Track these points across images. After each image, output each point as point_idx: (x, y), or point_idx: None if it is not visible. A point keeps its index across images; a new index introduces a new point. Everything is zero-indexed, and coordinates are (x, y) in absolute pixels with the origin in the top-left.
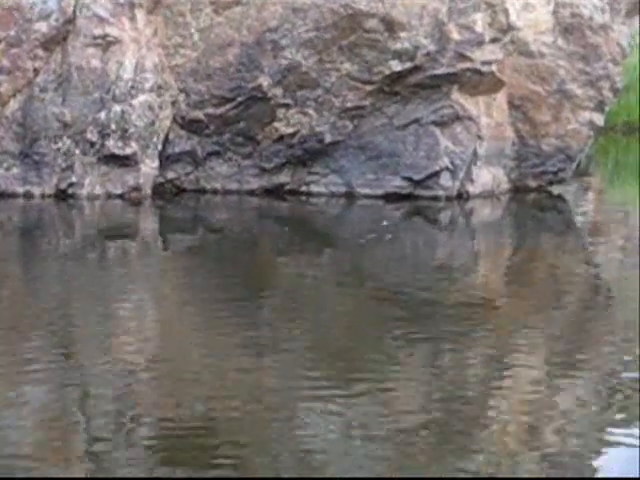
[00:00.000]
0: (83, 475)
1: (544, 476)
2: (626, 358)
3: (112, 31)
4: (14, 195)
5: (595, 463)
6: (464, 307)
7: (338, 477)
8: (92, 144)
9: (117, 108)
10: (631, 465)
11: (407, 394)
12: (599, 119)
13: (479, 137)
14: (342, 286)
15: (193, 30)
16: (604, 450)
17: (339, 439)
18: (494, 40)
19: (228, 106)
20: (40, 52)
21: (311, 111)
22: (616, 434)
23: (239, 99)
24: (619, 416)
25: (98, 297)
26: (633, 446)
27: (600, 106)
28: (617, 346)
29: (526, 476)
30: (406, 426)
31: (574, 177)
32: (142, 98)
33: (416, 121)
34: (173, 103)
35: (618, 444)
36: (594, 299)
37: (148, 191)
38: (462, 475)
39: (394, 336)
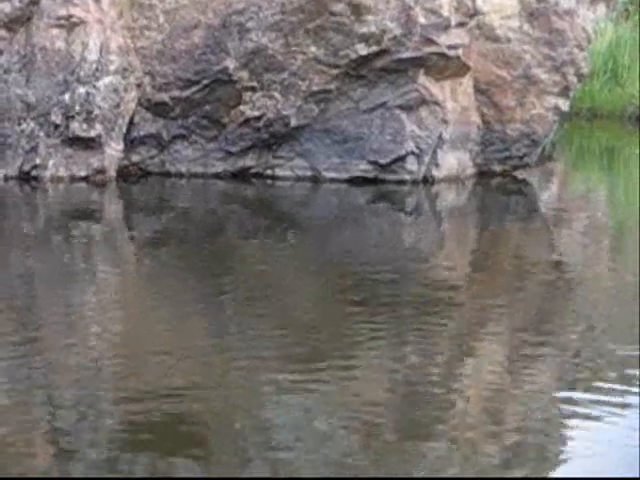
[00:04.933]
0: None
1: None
2: (589, 343)
3: (76, 12)
4: None
5: (557, 451)
6: (429, 291)
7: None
8: (56, 126)
9: (81, 90)
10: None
11: (371, 380)
12: (564, 104)
13: (445, 121)
14: (307, 270)
15: (158, 12)
16: (567, 434)
17: (303, 426)
18: (460, 24)
19: (194, 89)
20: (3, 33)
21: (277, 94)
22: (579, 416)
23: (205, 82)
24: (582, 398)
25: (60, 281)
26: (629, 445)
27: (565, 91)
28: (580, 329)
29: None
30: (369, 412)
31: (539, 162)
32: (107, 80)
33: (382, 105)
34: (138, 85)
35: (581, 428)
36: (558, 282)
37: (113, 174)
38: (425, 460)
39: (358, 321)
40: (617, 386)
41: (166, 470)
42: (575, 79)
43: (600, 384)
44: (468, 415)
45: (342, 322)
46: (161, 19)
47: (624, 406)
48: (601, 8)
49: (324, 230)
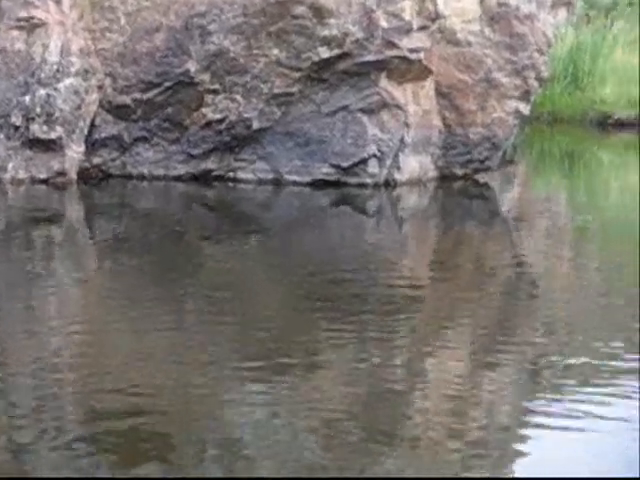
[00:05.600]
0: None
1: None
2: (550, 345)
3: (37, 14)
4: None
5: (521, 451)
6: (391, 292)
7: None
8: (16, 128)
9: (42, 92)
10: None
11: (333, 380)
12: (525, 108)
13: (406, 125)
14: (269, 272)
15: (120, 14)
16: (528, 438)
17: (264, 426)
18: (422, 28)
19: (155, 91)
20: None
21: (239, 97)
22: (541, 421)
23: (166, 84)
24: (543, 403)
25: (19, 284)
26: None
27: (526, 95)
28: (541, 333)
29: (517, 476)
30: (332, 414)
31: (500, 166)
32: (68, 82)
33: (344, 108)
34: (99, 87)
35: (543, 431)
36: (519, 286)
37: (73, 176)
38: (387, 459)
39: (321, 322)
40: (586, 388)
41: (125, 472)
42: (536, 83)
43: (567, 384)
44: (431, 414)
45: (304, 323)
46: (122, 21)
47: (585, 413)
48: (562, 13)
49: (286, 233)
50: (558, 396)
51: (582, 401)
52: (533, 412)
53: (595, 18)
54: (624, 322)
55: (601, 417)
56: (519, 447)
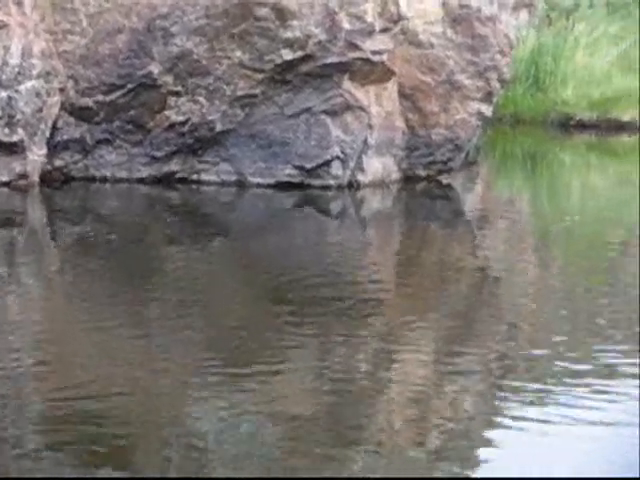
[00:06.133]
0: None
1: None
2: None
3: None
4: None
5: (483, 455)
6: (354, 294)
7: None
8: None
9: (3, 94)
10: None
11: (296, 387)
12: (487, 110)
13: (370, 126)
14: (232, 276)
15: (82, 16)
16: (491, 440)
17: (227, 429)
18: (384, 30)
19: (118, 93)
20: None
21: (202, 99)
22: (504, 423)
23: (129, 86)
24: (506, 405)
25: None
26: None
27: (488, 97)
28: (504, 335)
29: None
30: (295, 418)
31: (463, 167)
32: (29, 84)
33: (307, 110)
34: (61, 90)
35: (506, 433)
36: (483, 286)
37: (35, 179)
38: (350, 463)
39: (284, 324)
40: (543, 386)
41: (86, 471)
42: (498, 85)
43: (528, 384)
44: (396, 418)
45: (268, 326)
46: (84, 23)
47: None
48: (523, 15)
49: (250, 235)
50: (521, 397)
51: (545, 403)
52: (497, 413)
53: (556, 20)
54: (588, 320)
55: (568, 418)
56: (485, 450)
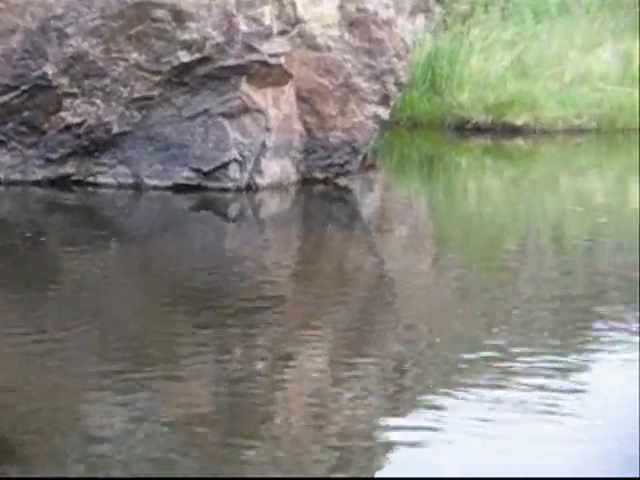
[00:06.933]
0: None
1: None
2: (412, 348)
3: None
4: None
5: (385, 454)
6: (252, 298)
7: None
8: None
9: None
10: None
11: (196, 386)
12: (384, 113)
13: (268, 129)
14: (128, 279)
15: None
16: (389, 440)
17: (124, 430)
18: (282, 33)
19: (12, 94)
20: None
21: (98, 101)
22: (400, 425)
23: (23, 87)
24: (403, 406)
25: None
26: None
27: (385, 100)
28: (402, 337)
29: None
30: (193, 420)
31: (360, 170)
32: None
33: (205, 112)
34: None
35: (402, 433)
36: (380, 288)
37: None
38: (248, 463)
39: (182, 328)
40: (450, 390)
41: None
42: (395, 88)
43: (429, 385)
44: (293, 418)
45: (165, 329)
46: None
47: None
48: (420, 19)
49: (146, 238)
50: (418, 398)
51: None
52: (394, 414)
53: (452, 25)
54: (483, 321)
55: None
56: (384, 454)
